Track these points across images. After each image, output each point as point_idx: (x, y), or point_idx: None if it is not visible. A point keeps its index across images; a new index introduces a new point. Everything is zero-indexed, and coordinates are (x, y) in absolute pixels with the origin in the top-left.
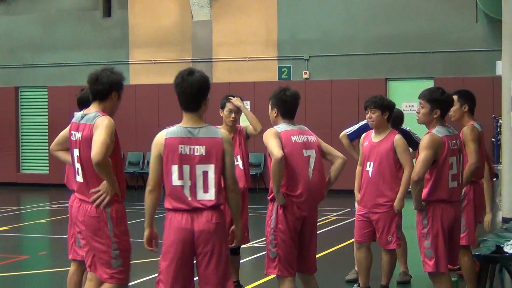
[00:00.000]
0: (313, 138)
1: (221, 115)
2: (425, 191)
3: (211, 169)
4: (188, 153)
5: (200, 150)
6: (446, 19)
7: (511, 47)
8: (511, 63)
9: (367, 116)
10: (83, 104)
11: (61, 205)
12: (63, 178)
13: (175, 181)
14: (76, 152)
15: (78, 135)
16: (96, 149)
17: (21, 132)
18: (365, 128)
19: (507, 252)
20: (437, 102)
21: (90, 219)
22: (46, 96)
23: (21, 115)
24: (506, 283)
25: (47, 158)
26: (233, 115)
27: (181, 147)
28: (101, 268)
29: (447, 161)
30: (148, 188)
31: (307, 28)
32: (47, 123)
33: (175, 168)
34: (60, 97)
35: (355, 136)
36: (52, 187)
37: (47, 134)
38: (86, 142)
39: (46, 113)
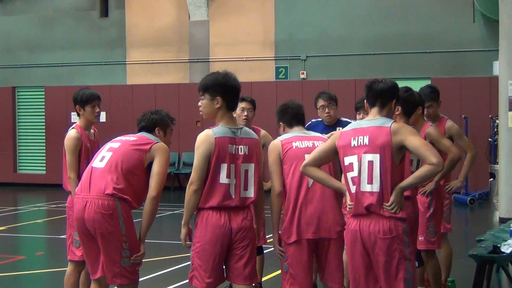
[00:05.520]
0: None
1: (234, 115)
2: None
3: (251, 167)
4: (233, 152)
5: (243, 149)
6: (443, 20)
7: (508, 47)
8: (508, 63)
9: (359, 117)
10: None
11: (58, 205)
12: (60, 178)
13: (223, 179)
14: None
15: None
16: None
17: (18, 132)
18: (314, 126)
19: (504, 252)
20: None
21: (103, 216)
22: (43, 96)
23: (18, 115)
24: (503, 283)
25: (44, 158)
26: (245, 113)
27: (230, 147)
28: (110, 267)
29: (407, 162)
30: (194, 187)
31: (304, 28)
32: (44, 123)
33: (224, 167)
34: (57, 97)
35: None
36: (49, 187)
37: (44, 134)
38: None
39: (43, 113)
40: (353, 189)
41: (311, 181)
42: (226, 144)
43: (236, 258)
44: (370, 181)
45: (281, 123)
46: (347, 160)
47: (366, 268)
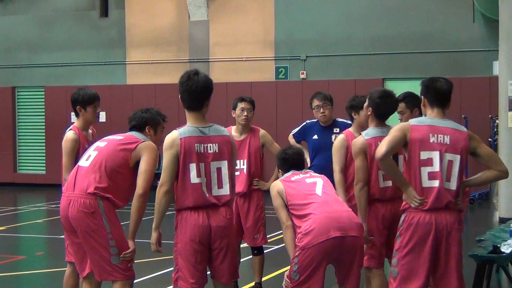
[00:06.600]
0: None
1: (233, 116)
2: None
3: (224, 165)
4: (202, 151)
5: (213, 147)
6: (443, 19)
7: (507, 47)
8: (508, 63)
9: (357, 116)
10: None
11: (57, 205)
12: (59, 179)
13: (194, 178)
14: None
15: None
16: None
17: (18, 132)
18: (309, 127)
19: (504, 252)
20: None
21: (85, 214)
22: (43, 96)
23: (18, 115)
24: (503, 283)
25: (44, 158)
26: (245, 113)
27: (197, 146)
28: (100, 265)
29: (374, 162)
30: (165, 188)
31: (304, 28)
32: (44, 123)
33: (193, 166)
34: (57, 97)
35: (299, 136)
36: (49, 187)
37: (44, 134)
38: None
39: (43, 113)
40: (429, 183)
41: (320, 188)
42: (193, 143)
43: (220, 259)
44: (449, 179)
45: (280, 170)
46: (424, 155)
47: (429, 261)
